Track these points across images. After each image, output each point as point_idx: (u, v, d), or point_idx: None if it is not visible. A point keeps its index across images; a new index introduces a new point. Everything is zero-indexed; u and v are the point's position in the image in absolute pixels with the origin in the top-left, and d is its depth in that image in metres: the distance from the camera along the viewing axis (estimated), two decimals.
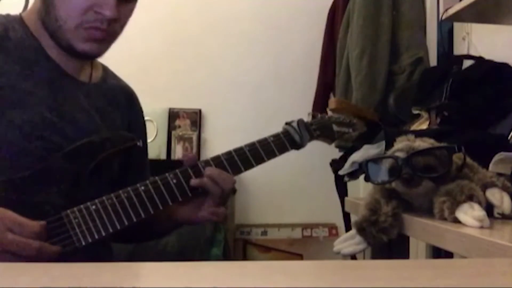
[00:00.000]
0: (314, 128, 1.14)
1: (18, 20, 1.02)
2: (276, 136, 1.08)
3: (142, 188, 0.95)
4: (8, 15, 1.04)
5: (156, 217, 1.07)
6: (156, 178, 0.97)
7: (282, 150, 1.08)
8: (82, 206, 0.90)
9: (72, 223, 0.88)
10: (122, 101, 1.12)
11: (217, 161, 1.01)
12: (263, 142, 1.06)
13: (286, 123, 1.12)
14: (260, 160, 1.05)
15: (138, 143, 1.01)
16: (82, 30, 0.95)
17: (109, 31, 0.97)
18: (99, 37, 0.97)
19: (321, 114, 1.18)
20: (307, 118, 1.16)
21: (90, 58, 1.03)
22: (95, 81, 1.08)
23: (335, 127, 1.17)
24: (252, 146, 1.04)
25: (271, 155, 1.06)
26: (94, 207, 0.90)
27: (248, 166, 1.03)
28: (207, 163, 1.00)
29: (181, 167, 0.99)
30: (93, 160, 0.95)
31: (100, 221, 0.90)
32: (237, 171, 1.02)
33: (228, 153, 1.02)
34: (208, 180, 0.98)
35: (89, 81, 1.06)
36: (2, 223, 0.79)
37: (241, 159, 1.02)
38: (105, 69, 1.14)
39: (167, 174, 0.98)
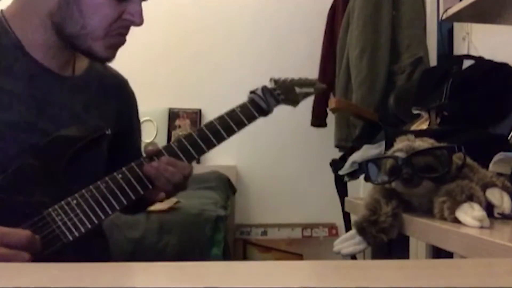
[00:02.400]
0: (278, 93, 1.15)
1: None
2: (243, 106, 1.10)
3: (120, 176, 0.95)
4: None
5: None
6: (132, 164, 0.97)
7: (251, 118, 1.10)
8: (63, 202, 0.89)
9: (55, 221, 0.87)
10: (111, 89, 1.11)
11: (169, 149, 1.01)
12: (231, 114, 1.07)
13: (251, 92, 1.14)
14: (230, 131, 1.06)
15: (107, 132, 0.99)
16: (108, 38, 0.97)
17: (126, 36, 1.00)
18: (121, 43, 1.00)
19: (283, 79, 1.20)
20: (270, 85, 1.17)
21: (105, 62, 1.04)
22: (80, 72, 1.06)
23: (297, 89, 1.19)
24: (221, 119, 1.06)
25: (241, 125, 1.08)
26: (75, 201, 0.90)
27: (220, 139, 1.05)
28: (164, 149, 1.00)
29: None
30: (64, 155, 0.93)
31: (84, 214, 0.89)
32: (211, 145, 1.04)
33: (199, 129, 1.04)
34: (157, 174, 0.97)
35: (73, 74, 1.04)
36: None
37: (212, 132, 1.04)
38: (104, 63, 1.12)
39: (141, 158, 0.98)
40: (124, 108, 1.14)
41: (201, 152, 1.03)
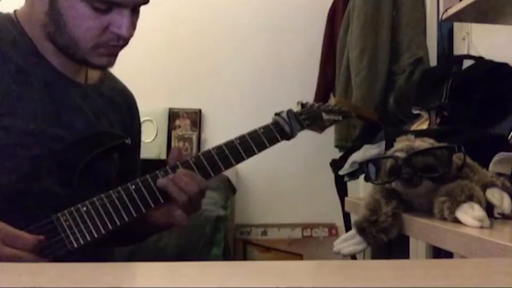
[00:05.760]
0: (304, 118, 1.13)
1: (10, 19, 0.97)
2: (266, 128, 1.07)
3: (133, 187, 0.92)
4: None
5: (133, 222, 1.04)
6: (147, 176, 0.94)
7: (273, 141, 1.07)
8: (72, 208, 0.87)
9: (63, 226, 0.86)
10: (120, 104, 1.09)
11: (185, 164, 0.97)
12: (253, 134, 1.04)
13: (276, 114, 1.11)
14: (251, 153, 1.03)
15: (127, 141, 0.97)
16: (100, 48, 0.94)
17: (124, 44, 0.96)
18: (116, 52, 0.97)
19: (310, 103, 1.17)
20: (296, 108, 1.14)
21: (104, 69, 1.02)
22: (92, 82, 1.05)
23: (324, 116, 1.16)
24: (242, 138, 1.03)
25: (261, 147, 1.05)
26: (84, 208, 0.88)
27: (239, 159, 1.02)
28: (180, 165, 0.96)
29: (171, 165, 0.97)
30: (82, 160, 0.92)
31: (92, 223, 0.88)
32: (229, 164, 1.01)
33: (219, 147, 1.01)
34: (171, 183, 0.93)
35: (85, 82, 1.03)
36: None
37: (231, 153, 1.01)
38: (103, 70, 1.11)
39: (157, 171, 0.95)
40: (129, 123, 1.11)
41: (218, 170, 1.00)
